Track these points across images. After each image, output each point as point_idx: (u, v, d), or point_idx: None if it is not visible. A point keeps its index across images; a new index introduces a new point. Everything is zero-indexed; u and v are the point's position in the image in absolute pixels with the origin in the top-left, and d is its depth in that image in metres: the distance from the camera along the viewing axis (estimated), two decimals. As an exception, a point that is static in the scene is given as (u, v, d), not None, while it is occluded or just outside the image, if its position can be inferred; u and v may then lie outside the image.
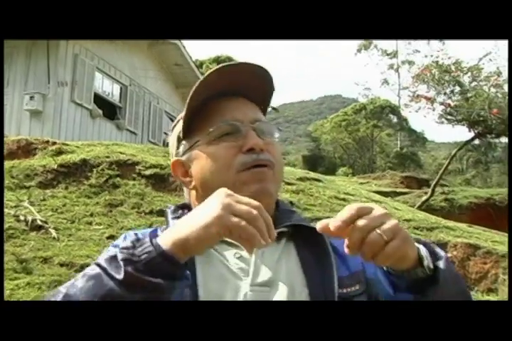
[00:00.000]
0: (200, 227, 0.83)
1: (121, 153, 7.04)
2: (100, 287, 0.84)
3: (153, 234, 1.06)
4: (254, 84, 1.10)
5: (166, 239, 0.86)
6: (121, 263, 0.84)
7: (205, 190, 1.08)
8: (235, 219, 0.82)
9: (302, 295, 1.01)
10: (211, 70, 1.07)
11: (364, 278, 1.07)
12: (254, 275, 1.02)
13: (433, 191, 12.00)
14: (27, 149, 7.07)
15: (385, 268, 0.97)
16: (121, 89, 13.84)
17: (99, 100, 12.82)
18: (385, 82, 27.58)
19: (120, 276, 0.83)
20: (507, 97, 10.66)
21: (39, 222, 5.14)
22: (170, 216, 1.14)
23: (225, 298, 0.99)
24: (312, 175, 9.58)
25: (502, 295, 5.68)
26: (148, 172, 6.60)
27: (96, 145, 7.63)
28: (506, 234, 8.65)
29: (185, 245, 0.84)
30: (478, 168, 37.66)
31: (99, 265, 0.88)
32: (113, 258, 0.86)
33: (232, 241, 1.03)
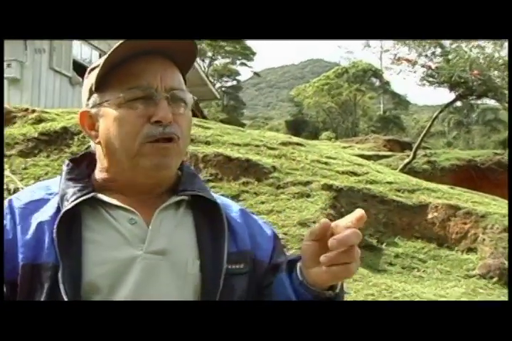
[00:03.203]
0: None
1: (102, 120, 6.98)
2: None
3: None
4: (179, 46, 1.10)
5: None
6: None
7: (109, 151, 1.11)
8: None
9: (194, 266, 1.08)
10: None
11: (251, 258, 1.14)
12: (150, 242, 1.06)
13: (415, 154, 12.10)
14: (6, 117, 6.98)
15: (300, 278, 1.01)
16: (100, 55, 13.61)
17: (79, 67, 12.62)
18: (367, 44, 27.41)
19: None
20: (488, 58, 10.66)
21: (21, 191, 5.13)
22: (64, 175, 1.14)
23: (115, 265, 1.03)
24: (294, 139, 9.60)
25: (481, 254, 5.81)
26: (130, 139, 6.57)
27: (76, 113, 7.48)
28: (486, 195, 8.78)
29: None
30: (460, 130, 37.88)
31: None
32: None
33: (127, 207, 1.09)
